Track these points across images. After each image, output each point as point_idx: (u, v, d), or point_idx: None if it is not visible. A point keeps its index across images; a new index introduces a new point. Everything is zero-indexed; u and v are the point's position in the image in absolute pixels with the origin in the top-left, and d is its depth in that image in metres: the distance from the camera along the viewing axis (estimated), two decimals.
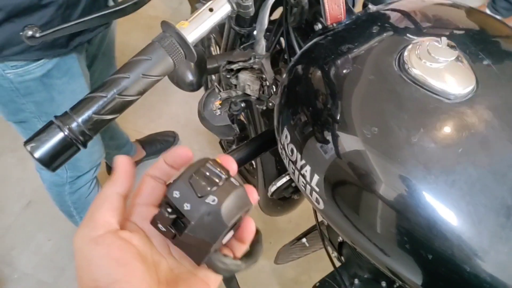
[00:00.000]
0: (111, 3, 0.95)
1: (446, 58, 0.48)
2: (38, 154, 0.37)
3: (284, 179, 0.84)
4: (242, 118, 1.08)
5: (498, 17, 2.10)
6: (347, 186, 0.48)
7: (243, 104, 0.82)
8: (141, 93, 0.39)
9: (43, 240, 1.62)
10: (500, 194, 0.43)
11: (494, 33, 0.57)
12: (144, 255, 0.34)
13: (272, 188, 0.87)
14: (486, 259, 0.43)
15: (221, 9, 0.42)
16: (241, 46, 0.73)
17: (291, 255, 1.16)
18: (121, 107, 0.39)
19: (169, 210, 0.33)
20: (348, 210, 0.49)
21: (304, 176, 0.52)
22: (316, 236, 1.02)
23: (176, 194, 0.32)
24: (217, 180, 0.33)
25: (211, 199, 0.32)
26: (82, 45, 0.92)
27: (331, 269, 0.89)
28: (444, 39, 0.50)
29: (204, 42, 1.24)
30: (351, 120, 0.48)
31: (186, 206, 0.32)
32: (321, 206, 0.52)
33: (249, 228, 0.36)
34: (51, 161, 0.37)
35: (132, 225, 0.36)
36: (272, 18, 0.75)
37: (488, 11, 2.14)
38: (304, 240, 1.03)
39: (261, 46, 0.47)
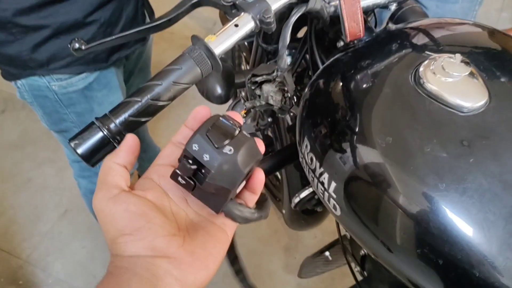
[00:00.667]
0: (148, 21, 1.02)
1: (459, 73, 0.51)
2: (80, 150, 0.42)
3: (307, 191, 0.87)
4: (269, 133, 1.12)
5: None
6: (362, 193, 0.51)
7: (270, 119, 0.86)
8: (172, 98, 0.44)
9: (77, 248, 1.69)
10: (509, 203, 0.45)
11: (509, 51, 0.59)
12: (161, 207, 0.38)
13: (296, 200, 0.90)
14: (495, 266, 0.44)
15: (246, 25, 0.46)
16: (268, 62, 0.77)
17: (315, 269, 1.17)
18: (154, 111, 0.44)
19: (190, 161, 0.36)
20: (363, 216, 0.52)
21: (322, 184, 0.55)
22: (339, 250, 1.03)
23: (195, 147, 0.35)
24: (231, 132, 0.37)
25: (228, 149, 0.35)
26: (120, 60, 0.99)
27: None
28: (458, 55, 0.52)
29: (234, 59, 1.30)
30: (366, 130, 0.51)
31: (206, 157, 0.35)
32: (338, 212, 0.54)
33: (260, 177, 0.40)
34: (91, 157, 0.42)
35: (149, 182, 0.41)
36: (299, 36, 0.79)
37: None
38: (327, 253, 1.05)
39: (284, 60, 0.51)
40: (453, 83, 0.51)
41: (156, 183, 0.41)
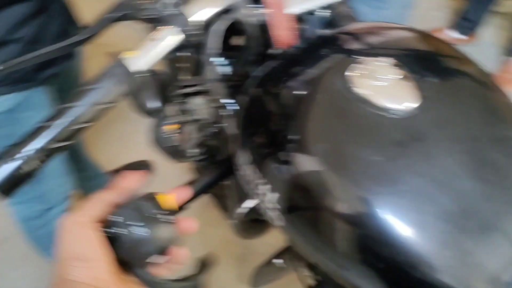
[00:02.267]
0: None
1: (391, 77, 0.51)
2: None
3: (252, 201, 0.85)
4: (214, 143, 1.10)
5: (459, 35, 2.20)
6: (302, 202, 0.50)
7: (209, 131, 0.84)
8: (92, 120, 0.41)
9: (17, 278, 1.59)
10: (444, 202, 0.46)
11: (439, 53, 0.61)
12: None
13: (242, 211, 0.88)
14: (434, 265, 0.45)
15: (171, 39, 0.44)
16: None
17: (267, 277, 1.16)
18: (72, 135, 0.41)
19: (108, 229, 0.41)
20: (305, 226, 0.51)
21: (264, 195, 0.54)
22: (291, 256, 1.03)
23: (117, 218, 0.41)
24: (152, 216, 0.42)
25: (143, 230, 0.41)
26: (49, 78, 0.94)
27: None
28: (388, 58, 0.53)
29: (173, 69, 1.26)
30: (303, 138, 0.50)
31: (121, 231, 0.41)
32: (282, 223, 0.53)
33: (179, 255, 0.45)
34: (8, 190, 0.39)
35: None
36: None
37: (449, 31, 2.22)
38: (278, 261, 1.04)
39: (214, 71, 0.50)
40: (385, 87, 0.51)
41: None
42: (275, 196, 0.52)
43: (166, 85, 0.68)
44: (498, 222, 0.46)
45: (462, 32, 2.20)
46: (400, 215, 0.45)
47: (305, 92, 0.53)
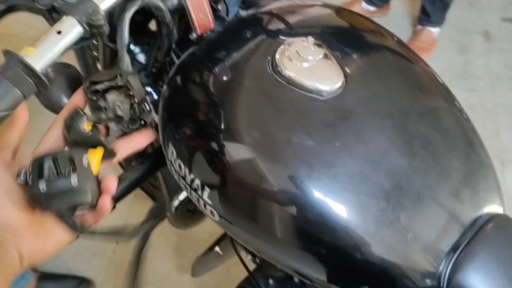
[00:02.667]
0: None
1: (314, 57, 0.50)
2: None
3: (184, 193, 0.82)
4: None
5: (373, 8, 2.27)
6: (237, 194, 0.48)
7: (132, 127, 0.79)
8: None
9: None
10: (378, 180, 0.46)
11: (359, 29, 0.60)
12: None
13: (175, 203, 0.85)
14: (374, 244, 0.45)
15: (71, 31, 0.39)
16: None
17: (207, 265, 1.15)
18: None
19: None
20: (242, 218, 0.49)
21: (195, 190, 0.51)
22: (229, 242, 1.02)
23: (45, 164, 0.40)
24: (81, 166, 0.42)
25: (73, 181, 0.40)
26: None
27: None
28: (310, 38, 0.52)
29: (86, 60, 1.18)
30: (232, 127, 0.48)
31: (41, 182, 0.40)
32: (216, 218, 0.51)
33: (100, 208, 0.44)
34: None
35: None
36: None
37: (364, 4, 2.29)
38: (217, 248, 1.02)
39: (126, 62, 0.45)
40: (309, 68, 0.50)
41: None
42: (206, 191, 0.50)
43: (78, 80, 0.62)
44: (432, 193, 0.47)
45: (375, 4, 2.27)
46: (336, 198, 0.45)
47: (233, 77, 0.50)
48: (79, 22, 0.39)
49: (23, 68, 0.36)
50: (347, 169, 0.46)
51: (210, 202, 0.50)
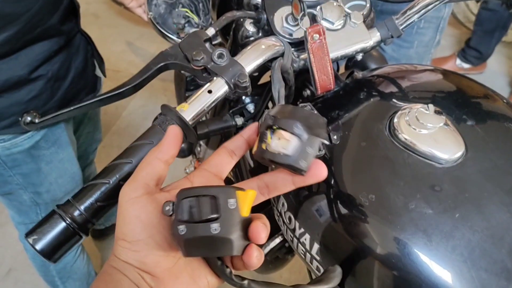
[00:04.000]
0: (99, 73, 0.96)
1: (434, 124, 0.50)
2: (40, 246, 0.36)
3: (277, 240, 0.83)
4: (230, 175, 1.08)
5: (468, 65, 2.21)
6: (349, 256, 0.48)
7: None
8: None
9: None
10: (499, 257, 0.44)
11: (473, 95, 0.60)
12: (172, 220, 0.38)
13: (265, 250, 0.86)
14: None
15: (219, 90, 0.43)
16: (230, 111, 0.74)
17: None
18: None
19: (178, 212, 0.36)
20: (350, 281, 0.49)
21: (303, 245, 0.52)
22: None
23: (185, 205, 0.35)
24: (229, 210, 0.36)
25: (214, 227, 0.35)
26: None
27: None
28: (431, 106, 0.52)
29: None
30: (348, 188, 0.49)
31: (182, 228, 0.35)
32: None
33: (248, 257, 0.37)
34: (53, 252, 0.37)
35: (186, 185, 0.41)
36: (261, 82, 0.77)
37: (458, 61, 2.24)
38: None
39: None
40: (429, 135, 0.50)
41: None
42: (315, 247, 0.50)
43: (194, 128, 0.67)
44: None
45: (471, 62, 2.21)
46: (453, 271, 0.43)
47: (349, 138, 0.52)
48: (227, 83, 0.44)
49: (178, 122, 0.40)
50: (467, 242, 0.44)
51: (317, 258, 0.51)
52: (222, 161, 0.43)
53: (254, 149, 0.39)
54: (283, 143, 0.37)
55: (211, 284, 0.39)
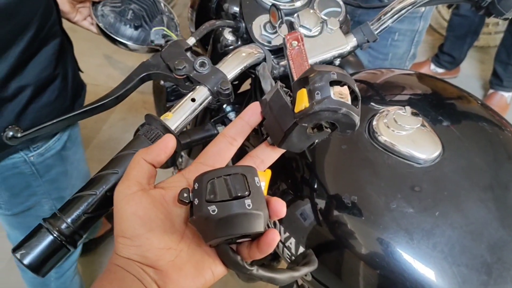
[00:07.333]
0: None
1: (411, 126, 0.52)
2: (27, 260, 0.36)
3: None
4: None
5: (442, 70, 2.27)
6: (334, 257, 0.49)
7: None
8: None
9: None
10: (479, 252, 0.45)
11: (448, 96, 0.62)
12: (172, 213, 0.38)
13: None
14: None
15: (202, 98, 0.44)
16: (212, 120, 0.75)
17: None
18: (112, 203, 0.39)
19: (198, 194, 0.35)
20: (336, 280, 0.50)
21: (289, 249, 0.53)
22: None
23: (208, 184, 0.35)
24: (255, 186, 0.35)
25: (247, 203, 0.34)
26: None
27: None
28: (408, 108, 0.54)
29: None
30: (331, 190, 0.50)
31: (211, 207, 0.34)
32: (309, 277, 0.52)
33: (269, 237, 0.36)
34: (41, 266, 0.36)
35: (181, 180, 0.40)
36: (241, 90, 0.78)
37: (432, 66, 2.29)
38: None
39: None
40: (407, 136, 0.52)
41: (186, 184, 0.40)
42: (300, 251, 0.51)
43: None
44: None
45: (444, 67, 2.27)
46: (435, 268, 0.44)
47: (328, 141, 0.53)
48: (210, 90, 0.44)
49: (163, 131, 0.41)
50: (447, 239, 0.46)
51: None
52: (220, 150, 0.41)
53: (298, 109, 0.36)
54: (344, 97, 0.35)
55: (215, 275, 0.38)
